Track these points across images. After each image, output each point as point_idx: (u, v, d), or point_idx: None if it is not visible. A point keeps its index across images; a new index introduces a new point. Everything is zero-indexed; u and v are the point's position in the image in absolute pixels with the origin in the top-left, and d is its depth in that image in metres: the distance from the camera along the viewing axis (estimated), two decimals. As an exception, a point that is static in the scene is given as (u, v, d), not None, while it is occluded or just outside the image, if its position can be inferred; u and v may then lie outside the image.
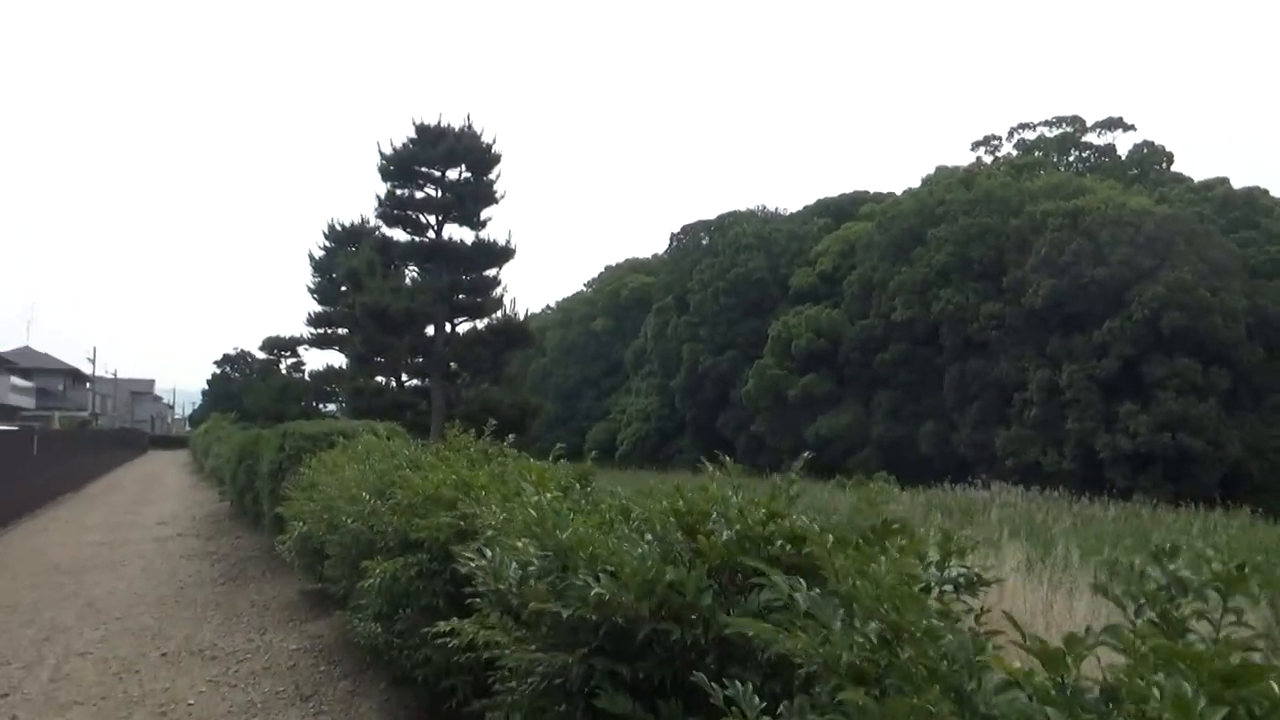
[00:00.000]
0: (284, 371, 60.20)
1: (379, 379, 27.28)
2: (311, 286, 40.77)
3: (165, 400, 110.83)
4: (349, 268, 29.18)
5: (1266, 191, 54.45)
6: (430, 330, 24.08)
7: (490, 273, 24.27)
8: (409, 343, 23.61)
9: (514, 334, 23.96)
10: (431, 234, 24.58)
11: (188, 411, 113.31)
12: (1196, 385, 40.80)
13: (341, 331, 39.71)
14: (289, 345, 63.09)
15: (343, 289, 39.37)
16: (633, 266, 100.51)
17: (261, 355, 69.03)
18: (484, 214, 24.34)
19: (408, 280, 25.46)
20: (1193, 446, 39.63)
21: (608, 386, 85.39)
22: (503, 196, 24.17)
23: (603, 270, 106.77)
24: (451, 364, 24.25)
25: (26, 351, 67.38)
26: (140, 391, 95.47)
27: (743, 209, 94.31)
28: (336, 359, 41.96)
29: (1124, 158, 71.35)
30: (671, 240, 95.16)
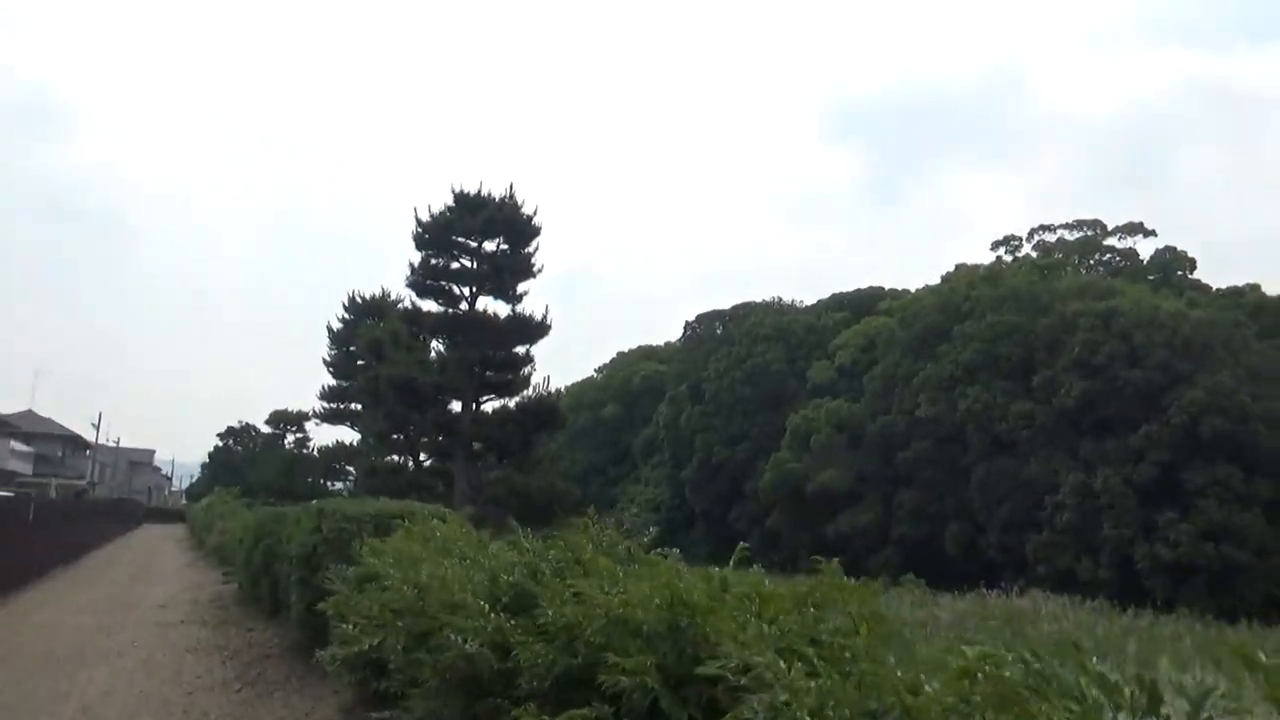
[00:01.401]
0: (289, 447, 58.89)
1: (396, 457, 25.97)
2: (328, 359, 39.82)
3: (164, 471, 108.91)
4: (372, 338, 28.11)
5: (1296, 299, 53.81)
6: (457, 406, 22.92)
7: (522, 349, 23.25)
8: (434, 419, 22.40)
9: (545, 415, 22.75)
10: (464, 305, 23.64)
11: (185, 484, 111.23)
12: (1239, 494, 39.21)
13: (356, 407, 38.56)
14: (296, 420, 61.88)
15: (360, 362, 38.38)
16: (645, 354, 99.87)
17: (267, 429, 67.92)
18: (520, 287, 23.50)
19: (434, 354, 24.43)
20: (1237, 558, 37.83)
21: (615, 475, 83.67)
22: (540, 270, 23.37)
23: (614, 356, 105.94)
24: (475, 444, 22.99)
25: (29, 415, 66.05)
26: (139, 461, 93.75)
27: (758, 300, 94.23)
28: (347, 435, 40.58)
29: (1146, 262, 70.92)
30: (686, 329, 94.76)
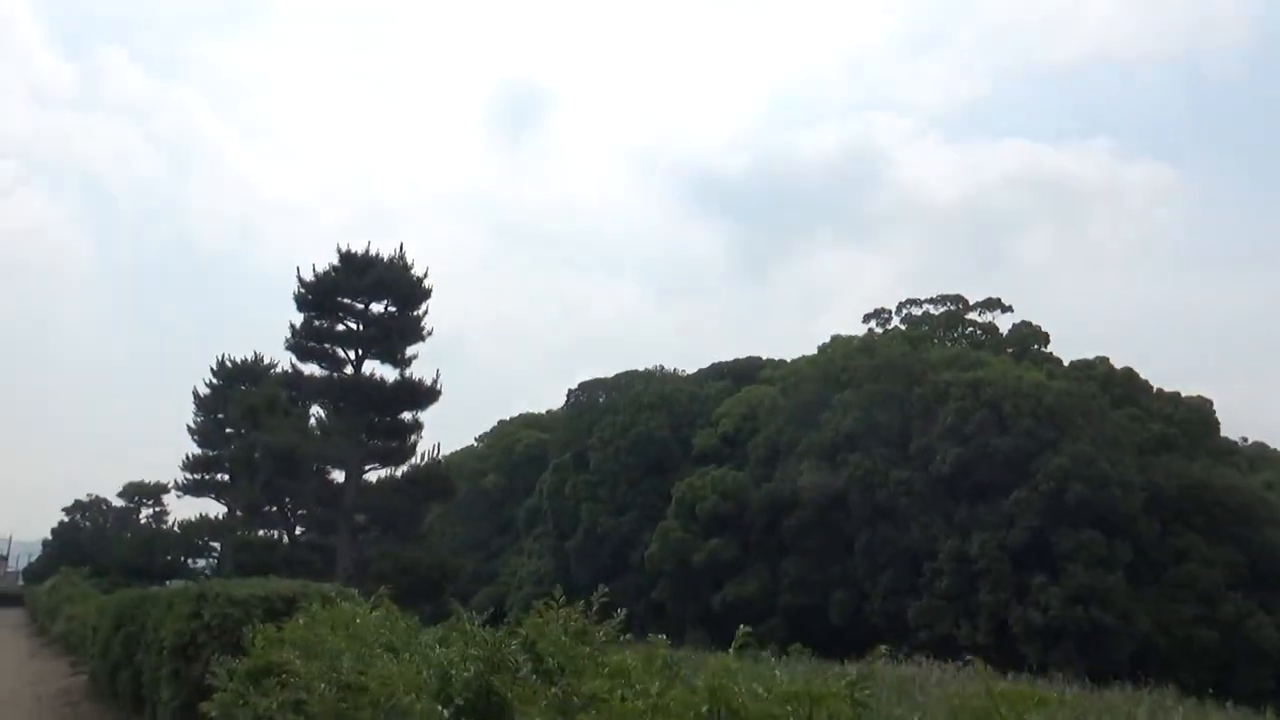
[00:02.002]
0: (145, 521, 54.88)
1: (270, 531, 24.27)
2: (193, 426, 37.43)
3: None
4: (248, 404, 26.46)
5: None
6: (339, 476, 21.65)
7: (410, 415, 22.24)
8: (315, 490, 21.02)
9: (436, 484, 21.69)
10: (349, 369, 22.52)
11: (24, 564, 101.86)
12: (1102, 558, 41.10)
13: (223, 478, 36.22)
14: (154, 492, 57.95)
15: (229, 430, 36.22)
16: (526, 422, 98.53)
17: (120, 503, 63.26)
18: (409, 350, 22.58)
19: (314, 421, 23.11)
20: (1104, 620, 39.44)
21: (497, 547, 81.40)
22: (430, 333, 22.53)
23: (495, 425, 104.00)
24: (359, 516, 21.68)
25: None
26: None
27: (640, 369, 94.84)
28: (213, 508, 38.02)
29: (1005, 335, 74.94)
30: (569, 397, 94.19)
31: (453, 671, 3.39)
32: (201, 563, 36.57)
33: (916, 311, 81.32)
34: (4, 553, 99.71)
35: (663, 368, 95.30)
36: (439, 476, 22.11)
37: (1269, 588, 43.75)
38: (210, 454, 37.03)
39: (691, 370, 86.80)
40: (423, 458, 22.32)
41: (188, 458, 36.99)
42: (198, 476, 37.08)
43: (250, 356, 38.07)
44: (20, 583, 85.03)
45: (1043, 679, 33.50)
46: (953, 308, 79.92)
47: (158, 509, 57.04)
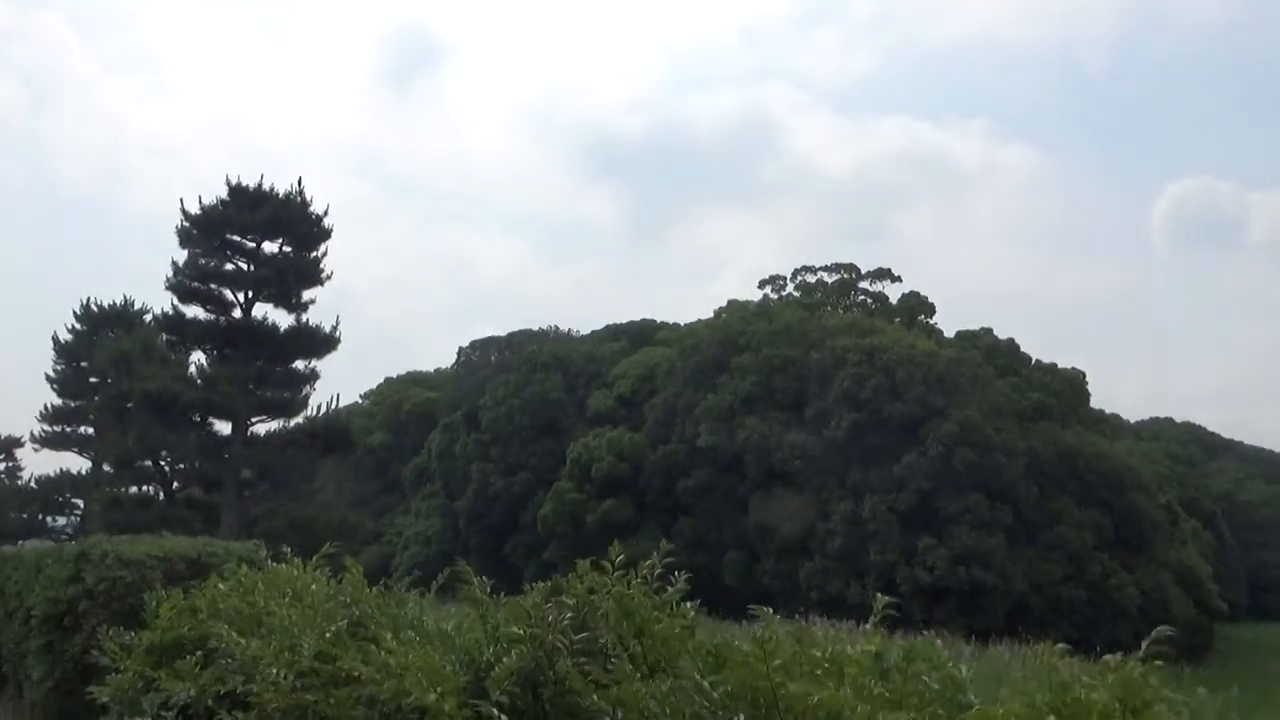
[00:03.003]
0: (-4, 477, 50.58)
1: (144, 488, 22.31)
2: (52, 375, 34.29)
3: None
4: (118, 350, 24.22)
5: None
6: (225, 429, 19.94)
7: (305, 364, 20.63)
8: (197, 442, 19.27)
9: (334, 438, 20.23)
10: (238, 313, 20.69)
11: None
12: (985, 520, 42.61)
13: (88, 431, 33.43)
14: (5, 446, 53.38)
15: (93, 380, 33.40)
16: (414, 380, 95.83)
17: (-35, 456, 58.16)
18: (306, 294, 20.88)
19: (194, 369, 21.21)
20: (984, 580, 40.96)
21: (382, 506, 79.01)
22: (329, 276, 20.87)
23: (381, 381, 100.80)
24: (246, 471, 20.05)
25: None
26: None
27: (534, 328, 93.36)
28: (75, 463, 35.11)
29: (894, 305, 76.83)
30: (460, 355, 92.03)
31: (487, 658, 2.52)
32: (62, 520, 33.79)
33: (810, 279, 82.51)
34: None
35: (557, 328, 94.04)
36: (336, 430, 20.65)
37: (1131, 549, 46.44)
38: (73, 405, 34.11)
39: (586, 331, 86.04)
40: (318, 410, 20.86)
41: (46, 408, 33.94)
42: (58, 429, 34.10)
43: (120, 301, 35.21)
44: None
45: (927, 636, 34.74)
46: (845, 276, 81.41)
47: (10, 464, 52.61)
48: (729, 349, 55.38)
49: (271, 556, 5.06)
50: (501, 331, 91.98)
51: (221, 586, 4.95)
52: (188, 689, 4.17)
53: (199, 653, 4.73)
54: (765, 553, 47.18)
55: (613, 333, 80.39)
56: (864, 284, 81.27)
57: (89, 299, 35.13)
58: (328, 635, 3.47)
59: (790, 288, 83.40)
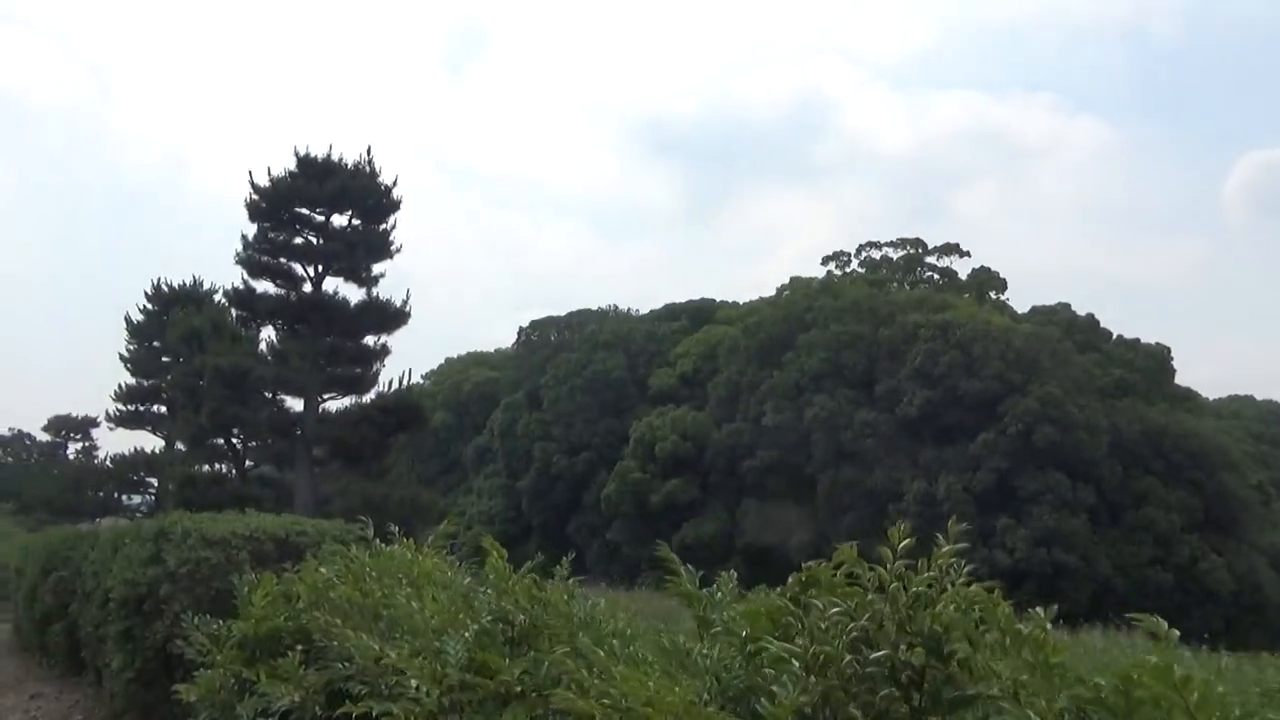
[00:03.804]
0: (73, 457, 51.80)
1: (217, 465, 22.15)
2: (126, 355, 34.61)
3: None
4: (189, 327, 24.09)
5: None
6: (296, 405, 19.59)
7: (375, 339, 20.18)
8: (269, 419, 18.97)
9: (407, 414, 19.77)
10: (308, 288, 20.31)
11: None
12: (1066, 500, 40.99)
13: (161, 410, 33.68)
14: (81, 426, 54.63)
15: (165, 359, 33.60)
16: (475, 360, 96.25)
17: (45, 437, 59.67)
18: (376, 268, 20.42)
19: (265, 346, 20.92)
20: (1067, 563, 39.43)
21: (444, 485, 79.55)
22: (399, 249, 20.37)
23: (442, 362, 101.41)
24: (317, 449, 19.72)
25: None
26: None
27: (593, 308, 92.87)
28: (149, 441, 35.47)
29: (964, 280, 74.62)
30: (520, 335, 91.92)
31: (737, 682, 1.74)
32: (137, 499, 34.19)
33: (875, 254, 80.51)
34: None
35: (616, 307, 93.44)
36: (408, 406, 20.17)
37: (1221, 531, 44.31)
38: (146, 384, 34.40)
39: (644, 311, 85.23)
40: (388, 386, 20.41)
41: (121, 388, 34.30)
42: (132, 408, 34.46)
43: (189, 280, 35.41)
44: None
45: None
46: (912, 251, 79.29)
47: (86, 443, 53.90)
48: (794, 326, 54.15)
49: (378, 536, 4.33)
50: (561, 311, 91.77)
51: (324, 571, 4.25)
52: (291, 694, 3.48)
53: (300, 648, 4.05)
54: (834, 534, 46.01)
55: (672, 312, 79.33)
56: (931, 259, 79.07)
57: (159, 279, 35.39)
58: (469, 636, 2.71)
59: (854, 264, 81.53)
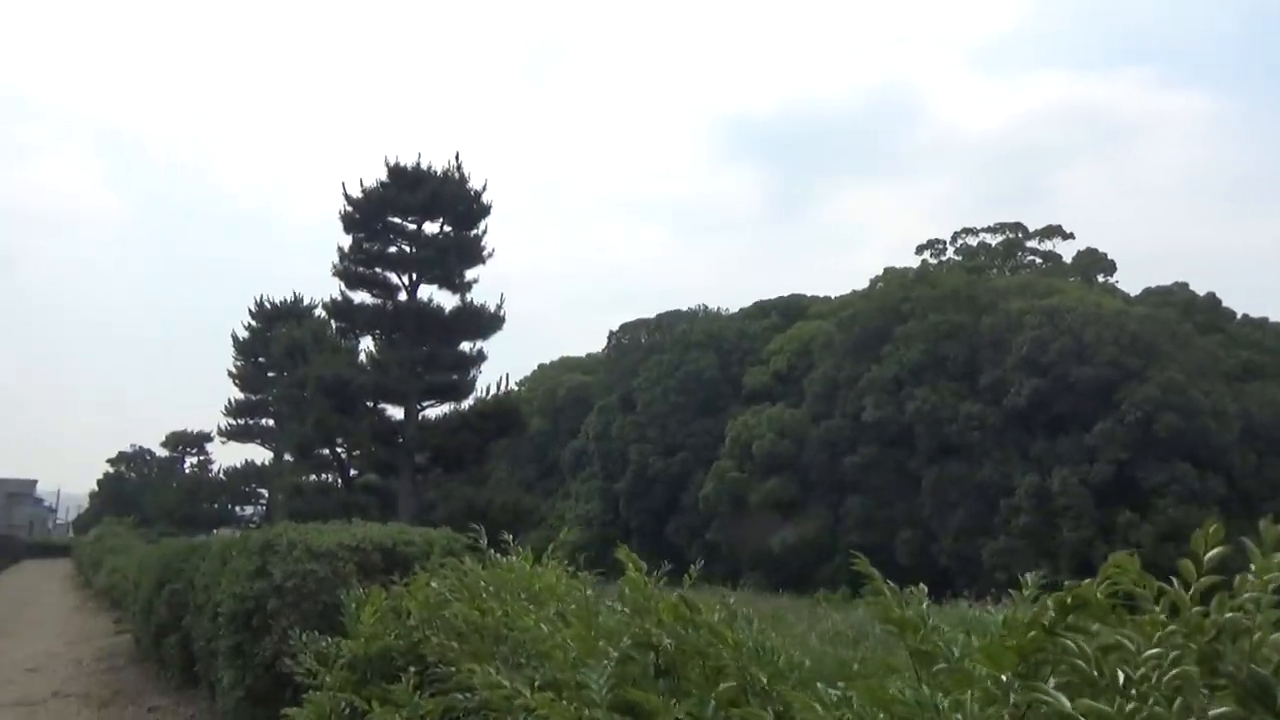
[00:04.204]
0: (190, 470, 53.94)
1: (324, 475, 22.50)
2: (233, 371, 35.76)
3: (47, 503, 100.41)
4: (291, 341, 24.62)
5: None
6: (396, 414, 19.70)
7: (471, 345, 20.14)
8: (371, 427, 19.12)
9: (505, 419, 19.67)
10: (403, 296, 20.42)
11: (73, 515, 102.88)
12: (1195, 492, 38.57)
13: (267, 423, 34.66)
14: (196, 441, 56.87)
15: (270, 374, 34.54)
16: (567, 365, 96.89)
17: (163, 453, 62.43)
18: (468, 274, 20.39)
19: (364, 356, 21.12)
20: (1197, 558, 37.07)
21: (541, 490, 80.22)
22: (490, 254, 20.30)
23: (535, 369, 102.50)
24: (418, 456, 19.78)
25: (-115, 444, 59.04)
26: (18, 492, 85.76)
27: (682, 309, 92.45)
28: (258, 454, 36.54)
29: (1068, 264, 71.55)
30: (610, 338, 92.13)
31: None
32: (249, 510, 35.25)
33: (972, 241, 78.04)
34: (52, 505, 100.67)
35: (705, 307, 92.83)
36: (507, 411, 20.05)
37: (1370, 521, 41.15)
38: (253, 398, 35.47)
39: (734, 309, 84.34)
40: (486, 391, 20.34)
41: (230, 403, 35.48)
42: (241, 422, 35.59)
43: (289, 297, 36.37)
44: (70, 534, 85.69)
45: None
46: (1011, 236, 76.57)
47: (201, 458, 56.10)
48: (890, 318, 52.60)
49: (491, 545, 3.93)
50: (650, 314, 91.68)
51: (434, 585, 3.88)
52: (405, 723, 3.09)
53: (413, 670, 3.68)
54: (942, 531, 44.46)
55: (761, 309, 78.19)
56: (1032, 243, 76.23)
57: (262, 297, 36.46)
58: (609, 666, 2.25)
59: (950, 252, 79.12)
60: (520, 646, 2.80)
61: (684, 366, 65.93)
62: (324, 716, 3.76)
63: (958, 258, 76.57)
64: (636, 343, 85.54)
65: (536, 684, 2.29)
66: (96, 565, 25.72)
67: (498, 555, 3.88)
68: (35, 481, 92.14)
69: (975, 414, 44.32)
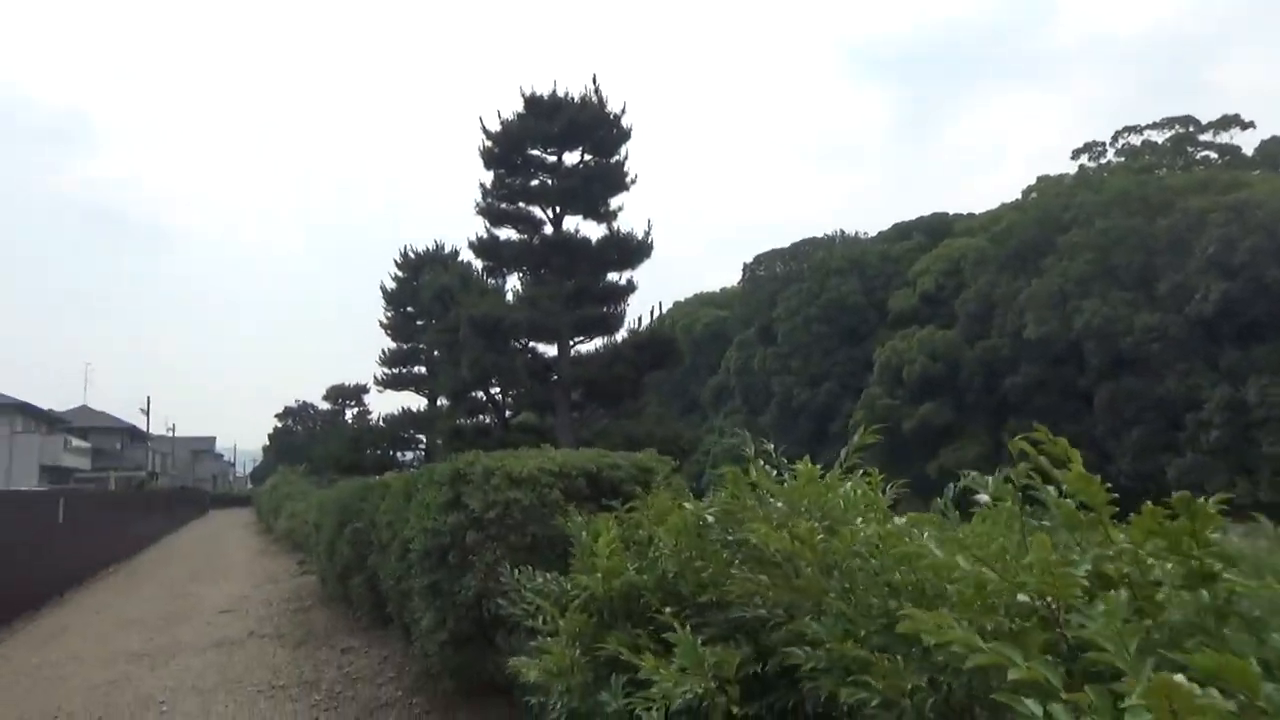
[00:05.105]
0: (350, 421, 56.21)
1: (481, 417, 22.49)
2: (384, 321, 36.47)
3: (226, 458, 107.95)
4: (439, 286, 24.64)
5: None
6: (550, 351, 19.33)
7: (619, 276, 19.46)
8: (526, 365, 18.82)
9: (661, 350, 19.02)
10: (548, 230, 19.86)
11: (248, 469, 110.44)
12: None
13: (420, 370, 35.29)
14: (354, 393, 59.16)
15: (419, 323, 35.05)
16: (703, 301, 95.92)
17: (325, 405, 65.34)
18: (613, 202, 19.65)
19: (511, 295, 20.78)
20: None
21: (685, 426, 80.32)
22: (634, 180, 19.44)
23: (670, 306, 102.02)
24: (574, 392, 19.39)
25: (83, 410, 64.22)
26: (200, 449, 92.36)
27: (819, 236, 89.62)
28: (412, 401, 37.28)
29: (1250, 156, 64.90)
30: (745, 271, 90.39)
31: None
32: (409, 455, 36.18)
33: (1135, 141, 71.96)
34: (230, 459, 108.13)
35: (842, 232, 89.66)
36: (663, 341, 19.34)
37: None
38: (404, 347, 36.13)
39: (872, 233, 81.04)
40: (637, 322, 19.71)
41: (384, 353, 36.22)
42: (395, 371, 36.29)
43: (432, 245, 36.65)
44: (249, 485, 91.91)
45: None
46: (1181, 131, 70.08)
47: (360, 409, 58.52)
48: (1049, 229, 49.07)
49: (759, 454, 3.10)
50: (784, 243, 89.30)
51: (688, 506, 3.10)
52: (695, 683, 2.32)
53: (669, 611, 2.92)
54: (1118, 451, 41.52)
55: (902, 231, 74.78)
56: (1205, 136, 69.56)
57: (406, 247, 36.85)
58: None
59: (1110, 154, 73.33)
60: (867, 579, 1.98)
61: (825, 294, 63.85)
62: (564, 668, 3.06)
63: (1120, 159, 70.81)
64: (773, 274, 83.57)
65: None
66: (275, 512, 26.90)
67: (766, 467, 3.05)
68: (214, 439, 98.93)
69: (1154, 324, 40.87)
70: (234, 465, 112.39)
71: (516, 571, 3.99)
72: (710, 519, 2.89)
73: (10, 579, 11.61)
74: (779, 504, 2.55)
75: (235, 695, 7.47)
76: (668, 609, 3.00)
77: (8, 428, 46.00)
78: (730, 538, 2.71)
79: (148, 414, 60.58)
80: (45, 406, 51.44)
